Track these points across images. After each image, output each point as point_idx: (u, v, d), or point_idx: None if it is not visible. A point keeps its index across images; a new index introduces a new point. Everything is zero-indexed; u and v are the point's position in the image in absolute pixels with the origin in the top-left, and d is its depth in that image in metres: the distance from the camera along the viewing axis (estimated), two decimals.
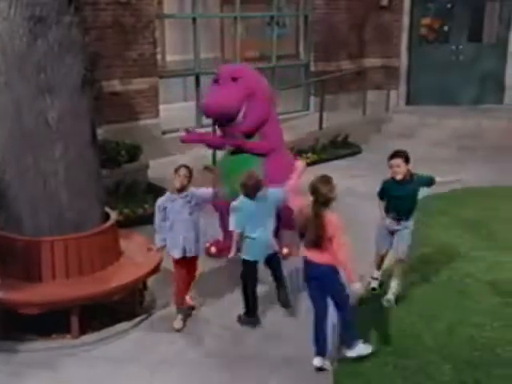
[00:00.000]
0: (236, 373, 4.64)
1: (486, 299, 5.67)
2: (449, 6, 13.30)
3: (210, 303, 5.65)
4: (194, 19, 10.66)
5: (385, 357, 4.75)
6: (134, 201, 7.92)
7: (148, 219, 7.52)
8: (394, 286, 5.60)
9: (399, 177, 5.39)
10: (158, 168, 8.93)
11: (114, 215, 5.71)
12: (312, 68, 12.53)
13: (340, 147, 11.15)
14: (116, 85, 9.34)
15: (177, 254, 5.15)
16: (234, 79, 6.31)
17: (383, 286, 5.79)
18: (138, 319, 5.36)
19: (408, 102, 13.45)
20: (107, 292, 5.15)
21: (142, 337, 5.12)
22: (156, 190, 8.28)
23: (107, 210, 5.74)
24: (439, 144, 11.29)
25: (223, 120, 6.46)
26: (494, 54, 12.95)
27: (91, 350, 4.91)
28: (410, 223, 5.60)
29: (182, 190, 5.10)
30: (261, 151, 6.44)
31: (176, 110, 11.15)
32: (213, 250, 6.50)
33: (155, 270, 5.49)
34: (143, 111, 9.75)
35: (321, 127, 11.23)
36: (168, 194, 5.20)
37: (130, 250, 5.71)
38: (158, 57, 10.88)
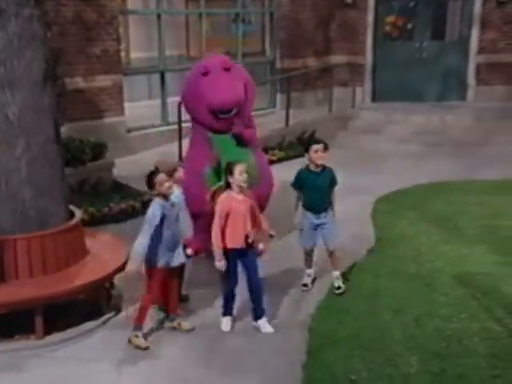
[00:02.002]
0: (201, 369, 4.61)
1: (452, 292, 5.74)
2: (412, 4, 13.51)
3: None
4: (159, 15, 10.58)
5: (351, 349, 4.78)
6: (99, 199, 7.81)
7: (113, 218, 7.55)
8: (337, 275, 5.79)
9: (320, 162, 5.54)
10: (124, 166, 8.84)
11: (78, 213, 5.63)
12: (278, 65, 12.57)
13: (307, 144, 11.19)
14: (79, 82, 9.21)
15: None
16: (227, 69, 6.16)
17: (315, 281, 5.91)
18: (104, 318, 5.29)
19: (373, 98, 13.62)
20: (72, 291, 5.08)
21: (109, 336, 5.04)
22: (122, 189, 8.23)
23: (72, 207, 5.65)
24: (405, 140, 11.46)
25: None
26: (457, 52, 13.21)
27: (56, 351, 4.83)
28: (331, 217, 5.72)
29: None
30: (254, 142, 6.33)
31: (141, 108, 11.06)
32: None
33: (122, 267, 5.36)
34: (108, 109, 9.63)
35: (287, 124, 11.26)
36: (160, 200, 4.78)
37: (96, 248, 5.63)
38: (122, 54, 10.76)
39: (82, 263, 5.38)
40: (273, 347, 4.86)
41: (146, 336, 4.96)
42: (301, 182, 5.68)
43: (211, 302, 5.52)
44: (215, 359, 4.73)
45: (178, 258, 4.99)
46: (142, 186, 5.13)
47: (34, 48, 4.93)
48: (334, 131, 11.90)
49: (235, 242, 4.95)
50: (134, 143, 9.70)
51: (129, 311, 5.34)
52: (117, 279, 5.56)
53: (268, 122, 11.51)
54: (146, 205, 6.17)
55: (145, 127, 10.41)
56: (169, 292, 5.10)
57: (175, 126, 9.34)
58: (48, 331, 4.98)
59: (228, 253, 4.98)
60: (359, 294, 5.73)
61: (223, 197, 4.95)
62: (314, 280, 5.93)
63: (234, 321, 5.21)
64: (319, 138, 5.74)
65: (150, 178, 4.73)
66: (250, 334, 5.08)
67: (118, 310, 5.44)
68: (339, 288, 5.74)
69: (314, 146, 5.64)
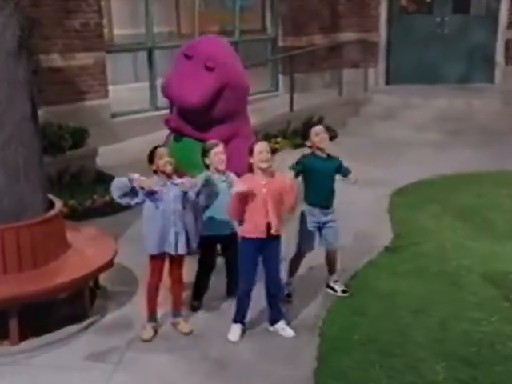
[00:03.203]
0: (200, 377, 4.60)
1: (481, 292, 5.74)
2: None
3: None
4: None
5: (368, 354, 4.77)
6: (81, 191, 7.81)
7: (97, 212, 7.51)
8: (335, 278, 5.78)
9: (324, 145, 5.45)
10: (109, 155, 8.82)
11: (59, 203, 5.61)
12: (280, 43, 12.56)
13: (306, 130, 11.18)
14: (56, 59, 9.15)
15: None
16: (209, 69, 6.24)
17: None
18: (88, 321, 5.26)
19: (388, 80, 13.61)
20: (51, 290, 5.05)
21: (94, 341, 5.03)
22: (106, 180, 8.18)
23: (51, 197, 5.63)
24: (424, 127, 11.45)
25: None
26: (483, 27, 13.18)
27: (34, 357, 4.80)
28: (335, 213, 5.60)
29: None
30: None
31: (127, 91, 11.05)
32: None
33: (108, 264, 5.42)
34: (89, 90, 9.59)
35: (292, 109, 11.24)
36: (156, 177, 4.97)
37: (79, 243, 5.63)
38: (105, 30, 10.73)
39: (62, 258, 5.36)
40: (280, 352, 4.85)
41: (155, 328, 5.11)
42: (305, 168, 5.45)
43: (217, 305, 5.55)
44: (216, 366, 4.71)
45: (178, 247, 4.93)
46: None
47: (7, 14, 4.90)
48: (345, 117, 11.92)
49: (255, 230, 4.85)
50: (120, 129, 9.67)
51: (115, 313, 5.33)
52: (102, 277, 5.55)
53: (270, 106, 11.51)
54: None
55: (131, 112, 10.38)
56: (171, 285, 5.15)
57: (165, 111, 9.30)
58: (24, 336, 4.94)
59: (247, 244, 4.91)
60: (375, 294, 5.73)
61: (244, 177, 4.92)
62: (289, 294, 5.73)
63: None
64: (328, 125, 5.66)
65: (152, 152, 4.99)
66: (254, 338, 5.07)
67: (104, 313, 5.40)
68: (345, 291, 5.71)
69: (315, 129, 5.58)
